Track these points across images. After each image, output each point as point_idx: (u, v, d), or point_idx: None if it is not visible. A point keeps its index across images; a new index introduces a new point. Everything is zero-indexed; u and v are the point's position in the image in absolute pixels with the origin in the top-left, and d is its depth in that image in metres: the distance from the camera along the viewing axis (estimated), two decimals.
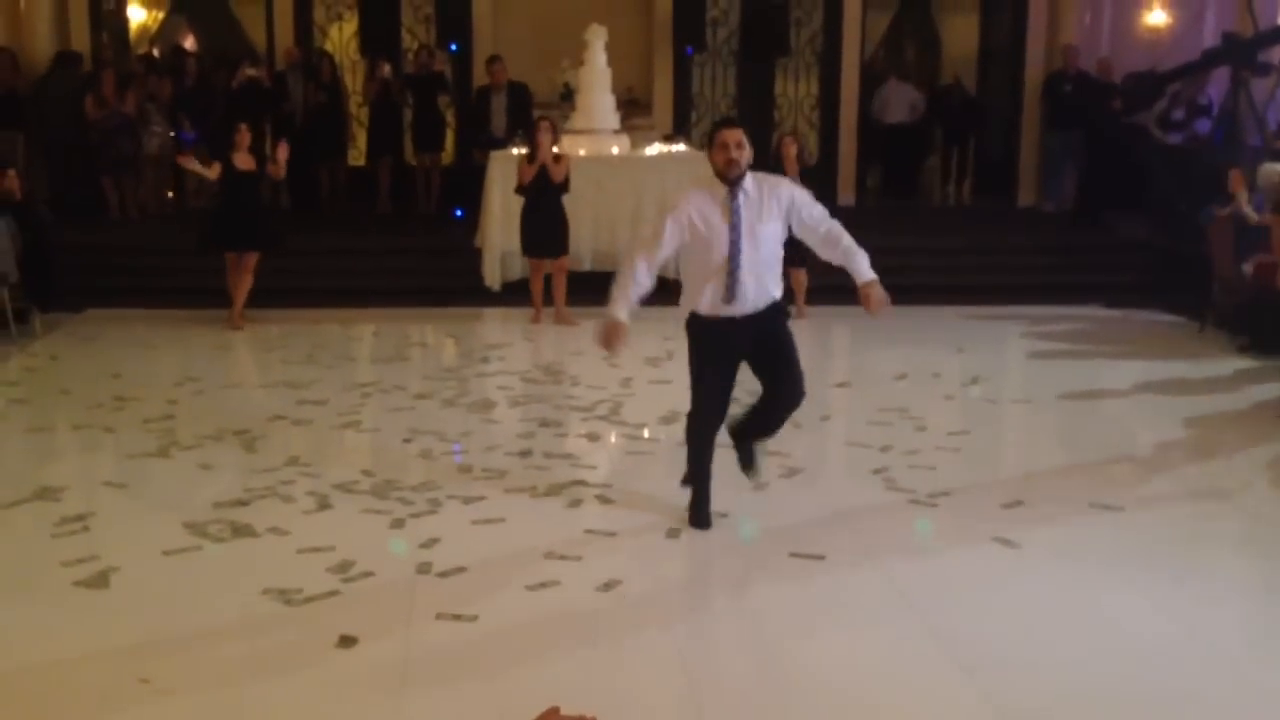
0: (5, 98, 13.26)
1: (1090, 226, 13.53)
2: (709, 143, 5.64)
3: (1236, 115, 12.98)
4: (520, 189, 10.58)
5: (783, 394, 5.76)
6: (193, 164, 10.61)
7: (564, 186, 10.54)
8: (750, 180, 5.56)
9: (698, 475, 5.93)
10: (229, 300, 10.47)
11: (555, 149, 10.62)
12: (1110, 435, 7.90)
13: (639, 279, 5.56)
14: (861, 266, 5.73)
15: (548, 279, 10.75)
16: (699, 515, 5.88)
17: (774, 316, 5.72)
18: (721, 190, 5.54)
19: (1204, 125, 13.27)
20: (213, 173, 10.32)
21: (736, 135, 5.51)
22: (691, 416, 5.89)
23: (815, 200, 5.77)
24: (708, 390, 5.77)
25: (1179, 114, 13.45)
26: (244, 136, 10.31)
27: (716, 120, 5.72)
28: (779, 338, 5.73)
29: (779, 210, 5.59)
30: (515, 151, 11.95)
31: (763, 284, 5.60)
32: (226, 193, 10.39)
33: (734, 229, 5.49)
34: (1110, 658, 4.64)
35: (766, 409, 5.86)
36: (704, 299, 5.63)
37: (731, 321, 5.62)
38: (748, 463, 6.10)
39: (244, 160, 10.28)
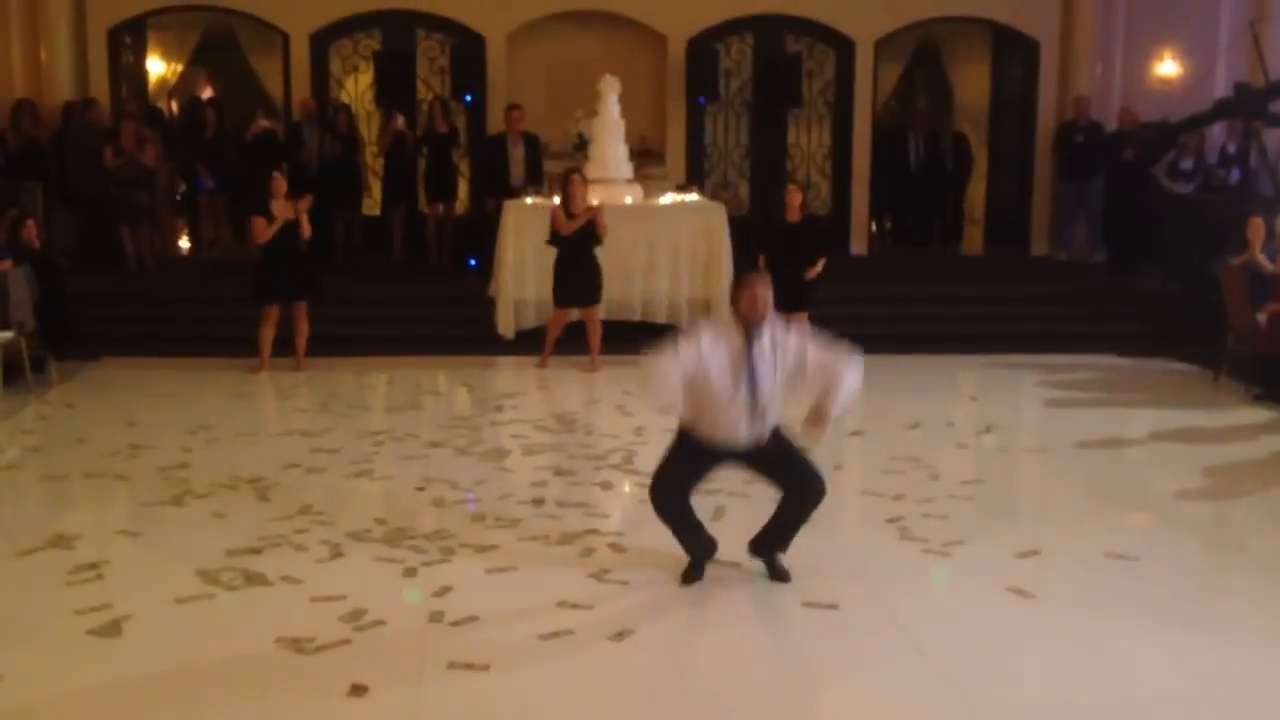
0: (26, 148, 13.42)
1: (1119, 276, 13.56)
2: (735, 286, 5.68)
3: (1247, 165, 13.03)
4: (554, 239, 10.68)
5: (805, 495, 5.77)
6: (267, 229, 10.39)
7: (600, 236, 10.65)
8: (767, 327, 5.60)
9: (686, 540, 5.87)
10: (250, 348, 10.52)
11: (593, 200, 10.75)
12: (1125, 484, 7.88)
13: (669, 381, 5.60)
14: (838, 394, 5.69)
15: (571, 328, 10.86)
16: (694, 570, 5.86)
17: (773, 440, 5.75)
18: (739, 339, 5.58)
19: (1235, 175, 13.31)
20: (262, 237, 10.33)
21: (764, 287, 5.56)
22: (652, 493, 5.86)
23: (820, 342, 5.76)
24: (673, 480, 5.80)
25: (1187, 163, 13.50)
26: (280, 185, 10.37)
27: (745, 271, 5.92)
28: (781, 453, 5.77)
29: (791, 361, 5.64)
30: (529, 201, 12.04)
31: (766, 421, 5.65)
32: (271, 243, 10.38)
33: (750, 379, 5.54)
34: (1126, 709, 4.61)
35: (789, 508, 5.82)
36: (705, 428, 5.70)
37: (727, 448, 5.70)
38: (778, 574, 5.88)
39: (282, 209, 10.34)
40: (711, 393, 5.58)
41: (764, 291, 5.57)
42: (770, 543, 5.89)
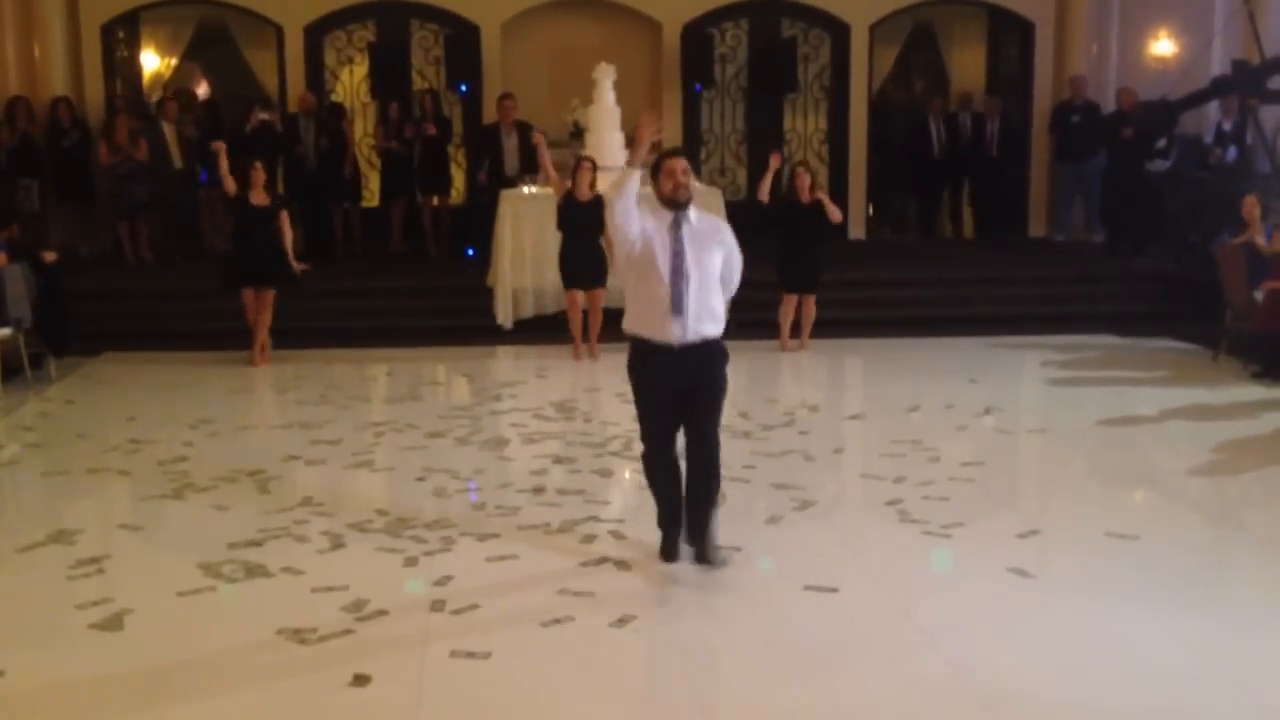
0: (21, 145, 13.40)
1: (1117, 256, 13.56)
2: (654, 171, 5.66)
3: (1244, 143, 13.02)
4: (563, 224, 10.66)
5: (692, 448, 5.70)
6: (223, 164, 10.41)
7: (601, 224, 10.60)
8: (694, 211, 5.63)
9: (663, 513, 5.85)
10: (248, 339, 10.54)
11: (593, 190, 10.71)
12: (1125, 463, 7.87)
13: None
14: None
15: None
16: (667, 549, 5.83)
17: (710, 356, 5.64)
18: (668, 216, 5.59)
19: (1232, 153, 13.31)
20: (229, 186, 10.38)
21: (683, 164, 5.61)
22: (643, 459, 5.86)
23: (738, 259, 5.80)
24: (656, 427, 5.73)
25: (1161, 142, 13.52)
26: (259, 175, 10.42)
27: (662, 151, 5.77)
28: (711, 385, 5.65)
29: (720, 248, 5.66)
30: (525, 190, 12.03)
31: (701, 315, 5.56)
32: (241, 230, 10.55)
33: (677, 255, 5.53)
34: (1130, 689, 4.61)
35: (688, 477, 5.76)
36: (646, 323, 5.63)
37: (670, 350, 5.58)
38: (705, 558, 5.73)
39: (259, 197, 10.39)
40: (647, 269, 5.52)
41: (680, 164, 5.56)
42: (690, 529, 5.78)
